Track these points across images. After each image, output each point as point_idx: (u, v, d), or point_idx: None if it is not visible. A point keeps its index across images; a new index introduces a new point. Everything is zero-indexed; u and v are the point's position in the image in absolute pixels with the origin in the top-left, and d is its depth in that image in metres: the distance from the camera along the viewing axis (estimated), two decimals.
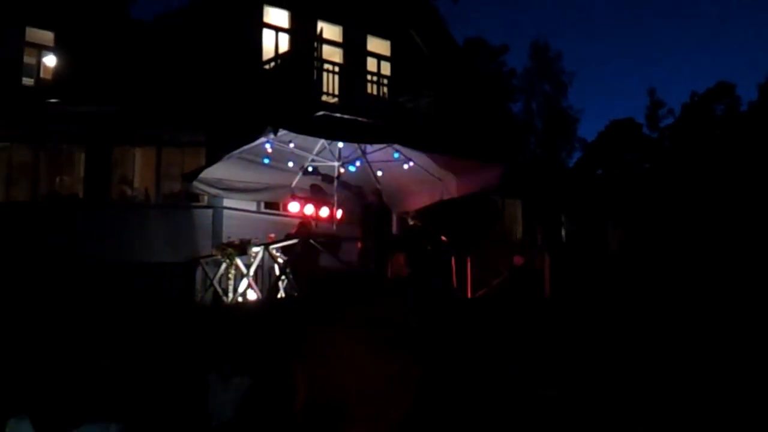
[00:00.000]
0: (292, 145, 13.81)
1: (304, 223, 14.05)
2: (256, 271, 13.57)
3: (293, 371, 1.27)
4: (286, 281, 13.14)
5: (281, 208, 16.21)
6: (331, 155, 14.26)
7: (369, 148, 14.13)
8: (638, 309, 12.91)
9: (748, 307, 12.78)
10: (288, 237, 13.57)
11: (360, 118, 16.88)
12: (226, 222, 16.12)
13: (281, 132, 12.91)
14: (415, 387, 1.29)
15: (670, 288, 14.64)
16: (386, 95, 19.61)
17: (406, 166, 14.29)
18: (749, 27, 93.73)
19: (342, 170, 14.46)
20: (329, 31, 19.04)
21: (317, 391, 1.24)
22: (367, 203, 14.30)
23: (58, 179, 17.02)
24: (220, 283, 14.06)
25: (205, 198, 16.18)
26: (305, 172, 14.85)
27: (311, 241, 12.86)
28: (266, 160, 14.02)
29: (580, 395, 9.23)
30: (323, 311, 1.28)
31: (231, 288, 13.84)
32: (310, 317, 1.29)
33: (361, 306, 1.29)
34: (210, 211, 16.35)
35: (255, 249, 13.58)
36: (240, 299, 13.60)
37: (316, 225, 14.02)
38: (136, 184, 17.19)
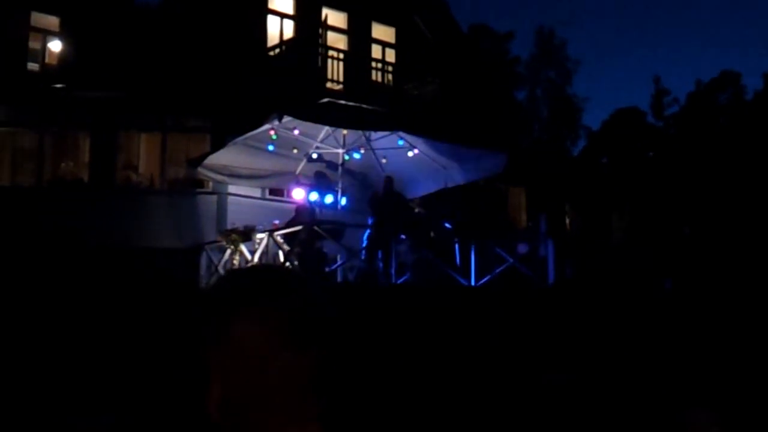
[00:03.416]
0: (296, 131, 13.81)
1: (300, 209, 14.10)
2: (260, 258, 13.58)
3: (209, 366, 1.26)
4: (290, 268, 13.15)
5: (286, 195, 16.23)
6: (335, 142, 14.27)
7: (373, 135, 14.12)
8: (643, 297, 12.93)
9: (753, 295, 12.79)
10: (290, 224, 13.60)
11: (364, 105, 16.88)
12: (230, 208, 16.13)
13: (286, 119, 12.92)
14: (329, 378, 1.28)
15: (675, 276, 14.65)
16: (391, 82, 19.57)
17: (410, 153, 14.29)
18: (756, 17, 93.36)
19: (347, 157, 14.46)
20: (334, 17, 19.00)
21: (230, 386, 1.23)
22: (375, 191, 14.29)
23: (63, 164, 17.03)
24: (224, 269, 14.07)
25: (210, 184, 16.20)
26: (310, 159, 14.85)
27: (315, 228, 12.87)
28: (271, 147, 14.04)
29: (586, 382, 9.26)
30: (233, 303, 1.27)
31: None
32: (221, 310, 1.28)
33: (272, 298, 1.28)
34: (215, 197, 16.37)
35: (259, 235, 13.58)
36: None
37: (320, 211, 14.02)
38: (141, 170, 17.19)
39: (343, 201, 14.31)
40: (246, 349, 1.22)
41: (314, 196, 13.84)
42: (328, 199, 14.00)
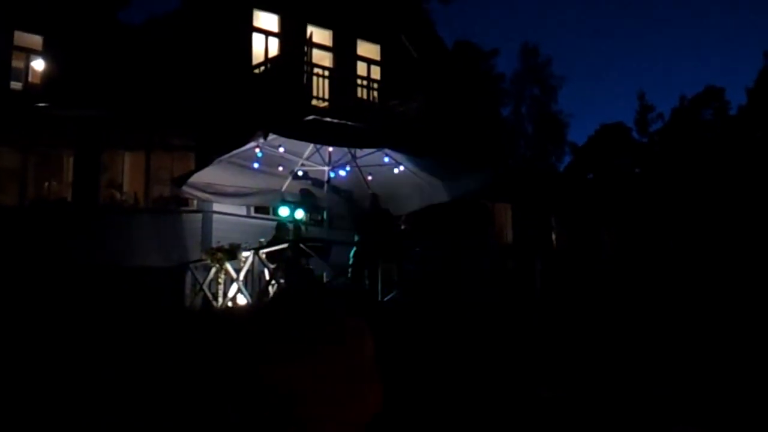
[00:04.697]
0: (281, 149, 13.77)
1: (280, 226, 14.08)
2: (246, 276, 13.51)
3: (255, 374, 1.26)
4: (276, 286, 13.09)
5: (271, 213, 16.18)
6: (321, 159, 14.23)
7: (359, 152, 14.09)
8: (630, 312, 12.91)
9: (740, 307, 12.80)
10: (271, 242, 13.57)
11: (350, 122, 16.85)
12: (215, 226, 16.03)
13: (271, 136, 12.87)
14: (374, 387, 1.29)
15: (663, 291, 14.64)
16: (376, 99, 19.57)
17: (396, 171, 14.26)
18: (740, 31, 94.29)
19: (332, 174, 14.42)
20: (319, 35, 19.01)
21: (272, 391, 1.23)
22: (361, 209, 14.25)
23: (46, 184, 16.91)
24: (209, 287, 13.99)
25: (195, 202, 16.11)
26: (295, 177, 14.80)
27: (301, 245, 12.81)
28: (256, 165, 13.99)
29: (575, 395, 9.21)
30: (278, 319, 1.28)
31: (221, 293, 13.78)
32: (266, 326, 1.29)
33: (312, 309, 1.29)
34: (200, 216, 16.27)
35: (245, 254, 13.52)
36: (230, 304, 13.54)
37: (306, 229, 13.98)
38: (125, 189, 17.09)
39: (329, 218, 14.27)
40: (295, 356, 1.24)
41: (300, 214, 13.80)
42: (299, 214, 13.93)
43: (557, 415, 8.90)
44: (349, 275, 13.30)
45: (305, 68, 18.13)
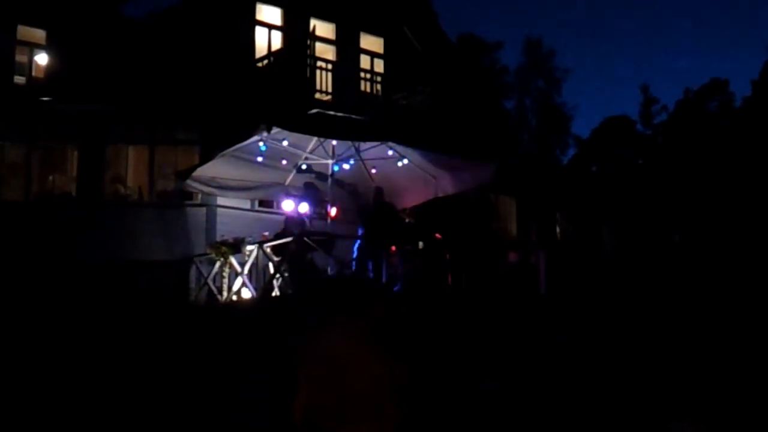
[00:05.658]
0: (285, 143, 13.77)
1: (289, 220, 14.07)
2: (250, 270, 13.52)
3: (297, 373, 1.28)
4: (280, 279, 13.11)
5: (275, 206, 16.18)
6: (324, 153, 14.23)
7: (363, 145, 14.08)
8: (632, 305, 12.89)
9: (743, 304, 12.77)
10: (279, 235, 13.57)
11: (354, 116, 16.84)
12: (219, 220, 16.06)
13: (275, 130, 12.87)
14: (410, 387, 1.30)
15: (664, 283, 14.63)
16: (380, 92, 19.54)
17: (400, 164, 14.26)
18: (745, 23, 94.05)
19: (336, 168, 14.42)
20: (322, 28, 18.98)
21: (317, 393, 1.25)
22: (365, 202, 14.25)
23: (50, 178, 16.92)
24: (214, 281, 14.01)
25: (199, 196, 16.13)
26: (299, 170, 14.80)
27: (306, 239, 12.82)
28: (260, 158, 14.00)
29: (574, 393, 9.20)
30: (322, 314, 1.31)
31: (225, 287, 13.80)
32: (310, 320, 1.31)
33: (357, 309, 1.31)
34: (204, 210, 16.29)
35: (249, 247, 13.54)
36: (234, 298, 13.56)
37: (310, 222, 13.98)
38: (129, 183, 17.11)
39: (333, 212, 14.26)
40: (333, 358, 1.25)
41: (304, 207, 13.79)
42: (302, 207, 13.92)
43: (557, 413, 8.89)
44: (353, 268, 13.31)
45: (308, 62, 18.10)
